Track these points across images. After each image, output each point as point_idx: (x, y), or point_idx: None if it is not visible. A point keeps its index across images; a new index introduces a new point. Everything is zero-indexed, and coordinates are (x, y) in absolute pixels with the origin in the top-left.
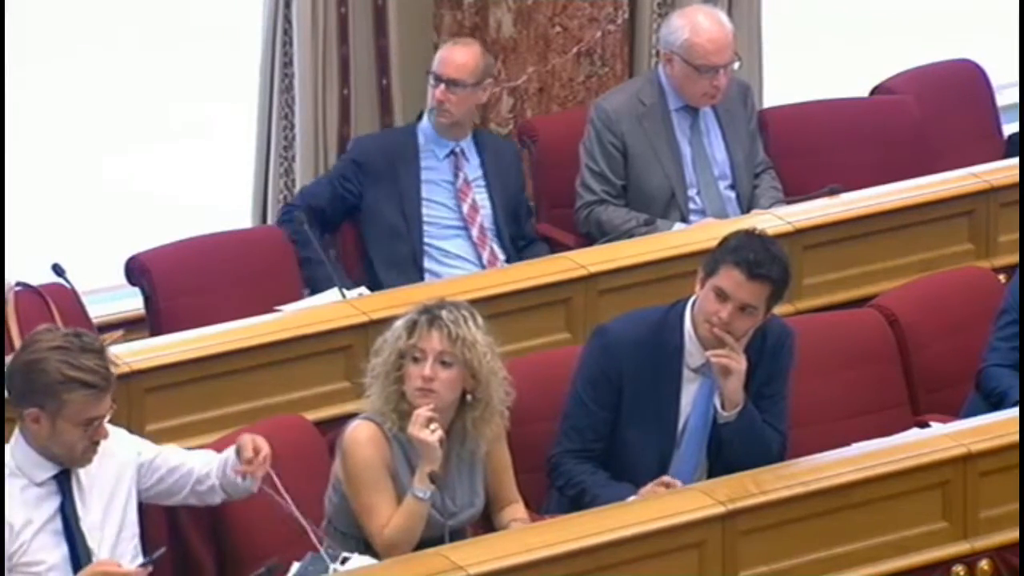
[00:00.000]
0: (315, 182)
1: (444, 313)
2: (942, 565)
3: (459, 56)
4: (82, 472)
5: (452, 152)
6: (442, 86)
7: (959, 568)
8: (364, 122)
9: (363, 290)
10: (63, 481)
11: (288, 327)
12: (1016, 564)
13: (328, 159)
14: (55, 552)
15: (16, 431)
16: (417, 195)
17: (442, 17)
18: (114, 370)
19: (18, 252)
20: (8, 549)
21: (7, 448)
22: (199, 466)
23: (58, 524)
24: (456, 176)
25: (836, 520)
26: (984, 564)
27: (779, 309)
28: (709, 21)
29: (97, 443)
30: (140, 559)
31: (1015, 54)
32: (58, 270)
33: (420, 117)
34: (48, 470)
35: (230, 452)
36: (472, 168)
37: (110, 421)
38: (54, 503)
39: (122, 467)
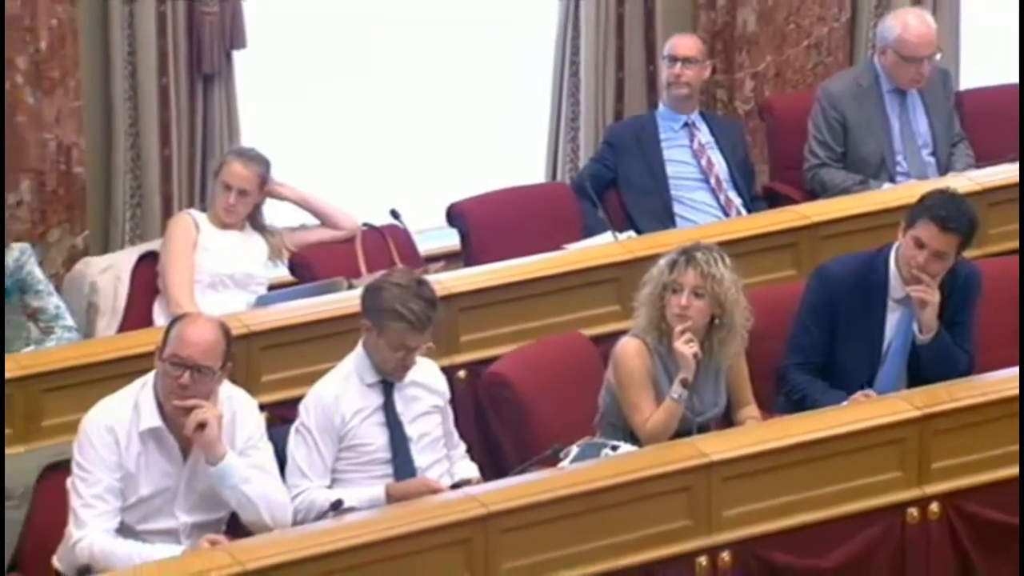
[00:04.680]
0: (585, 165)
1: (699, 255)
2: None
3: (688, 40)
4: (404, 385)
5: (686, 124)
6: (678, 64)
7: None
8: (635, 100)
9: (631, 233)
10: (388, 385)
11: (572, 261)
12: None
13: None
14: (379, 438)
15: (360, 342)
16: (661, 158)
17: (698, 16)
18: (435, 316)
19: (364, 197)
20: (340, 432)
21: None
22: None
23: (382, 417)
24: (692, 140)
25: (1015, 423)
26: None
27: (969, 253)
28: (917, 20)
29: (406, 367)
30: (445, 464)
31: None
32: (394, 213)
33: (655, 106)
34: (373, 375)
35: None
36: (704, 134)
37: (437, 352)
38: (379, 400)
39: (434, 395)
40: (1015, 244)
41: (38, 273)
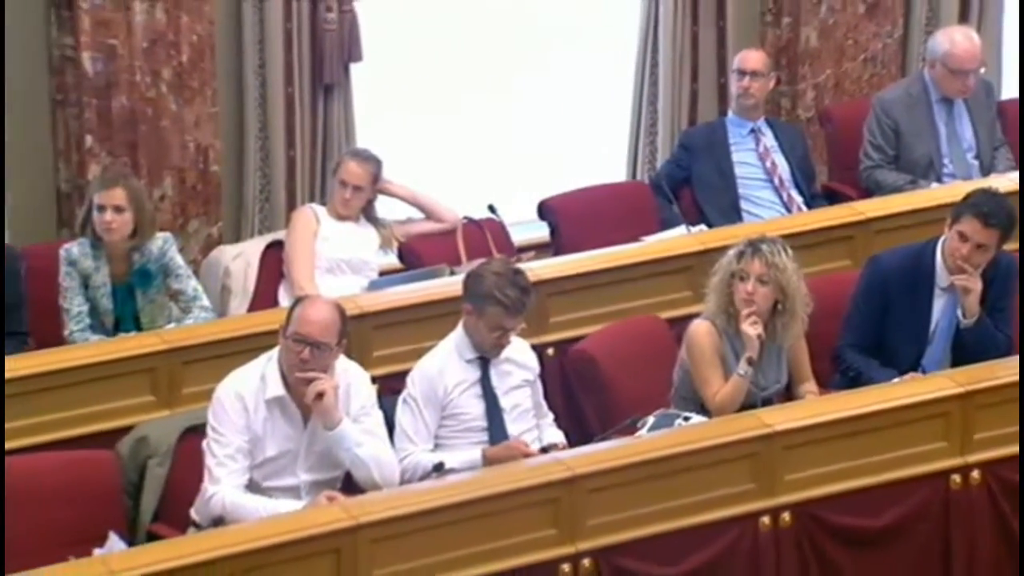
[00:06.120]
0: (662, 166)
1: (764, 246)
2: None
3: (755, 55)
4: (499, 361)
5: (752, 130)
6: (746, 77)
7: None
8: (707, 108)
9: (702, 227)
10: (484, 361)
11: (649, 252)
12: None
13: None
14: (476, 408)
15: (461, 322)
16: (730, 160)
17: (766, 33)
18: (529, 302)
19: (465, 193)
20: (442, 402)
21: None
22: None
23: (479, 390)
24: (758, 144)
25: None
26: None
27: (1009, 245)
28: (963, 37)
29: (502, 346)
30: (535, 432)
31: None
32: (492, 208)
33: (725, 114)
34: (472, 352)
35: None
36: (768, 139)
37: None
38: (476, 374)
39: (525, 370)
40: None
41: (179, 259)
